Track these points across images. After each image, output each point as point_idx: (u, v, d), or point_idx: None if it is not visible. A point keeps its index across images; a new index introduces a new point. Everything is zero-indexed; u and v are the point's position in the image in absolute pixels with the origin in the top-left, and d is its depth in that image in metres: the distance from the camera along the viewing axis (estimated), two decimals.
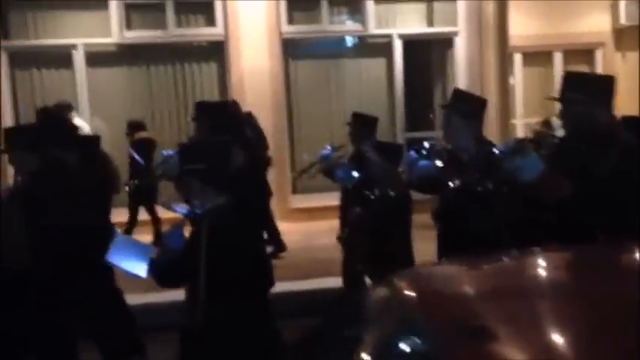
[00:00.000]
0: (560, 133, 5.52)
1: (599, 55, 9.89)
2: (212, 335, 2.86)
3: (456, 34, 8.27)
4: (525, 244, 3.87)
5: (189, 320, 2.91)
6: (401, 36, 8.20)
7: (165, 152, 4.45)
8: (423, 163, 3.82)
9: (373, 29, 8.14)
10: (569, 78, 3.34)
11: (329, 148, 5.02)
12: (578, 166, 2.99)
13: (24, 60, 7.74)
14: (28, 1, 7.63)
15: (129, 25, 7.78)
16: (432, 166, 3.74)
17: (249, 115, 5.92)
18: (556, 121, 6.88)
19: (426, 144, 4.08)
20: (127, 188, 5.06)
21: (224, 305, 2.84)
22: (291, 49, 8.12)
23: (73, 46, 7.68)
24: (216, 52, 8.03)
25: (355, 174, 4.42)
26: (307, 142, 8.03)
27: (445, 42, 8.41)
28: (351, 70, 8.38)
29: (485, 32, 8.16)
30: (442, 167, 3.71)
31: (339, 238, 4.64)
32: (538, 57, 9.36)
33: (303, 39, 8.17)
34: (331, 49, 8.35)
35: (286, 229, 6.78)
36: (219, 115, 4.44)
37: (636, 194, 2.92)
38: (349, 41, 8.45)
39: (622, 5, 9.53)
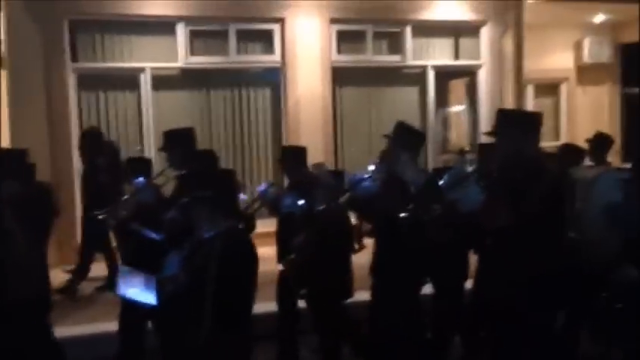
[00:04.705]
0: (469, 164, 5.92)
1: (563, 88, 11.43)
2: (215, 352, 2.98)
3: (479, 66, 9.35)
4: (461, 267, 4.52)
5: (186, 340, 3.03)
6: (433, 67, 9.16)
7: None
8: (365, 185, 4.19)
9: (410, 60, 9.04)
10: (502, 114, 3.60)
11: (265, 184, 5.16)
12: (512, 196, 3.18)
13: (91, 82, 7.91)
14: (97, 25, 7.84)
15: (193, 51, 8.18)
16: (373, 189, 4.12)
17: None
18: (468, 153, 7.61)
19: (370, 167, 4.54)
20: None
21: (230, 322, 2.99)
22: (338, 77, 8.82)
23: (141, 70, 7.98)
24: (272, 77, 8.58)
25: (301, 202, 4.56)
26: (350, 160, 8.78)
27: (470, 73, 9.47)
28: (389, 96, 9.21)
29: (505, 65, 9.30)
30: (381, 191, 4.06)
31: (287, 263, 4.60)
32: None
33: (350, 67, 8.88)
34: (373, 77, 9.11)
35: None
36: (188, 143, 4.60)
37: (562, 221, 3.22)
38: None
39: (585, 45, 11.09)
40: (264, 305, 4.45)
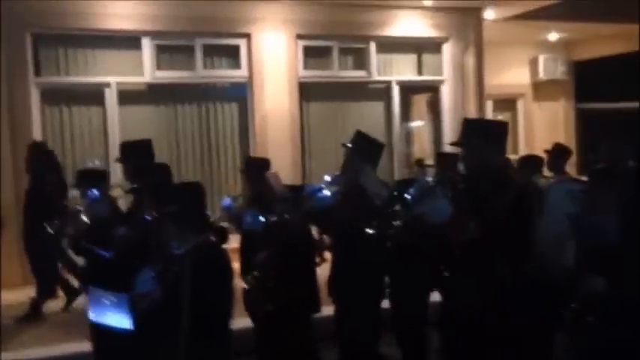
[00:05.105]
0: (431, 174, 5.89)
1: (520, 104, 11.83)
2: None
3: (442, 82, 9.58)
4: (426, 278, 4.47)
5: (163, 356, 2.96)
6: (398, 82, 9.34)
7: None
8: (320, 195, 4.14)
9: (375, 76, 9.20)
10: (468, 123, 3.53)
11: (228, 198, 5.06)
12: (478, 208, 3.16)
13: (55, 96, 7.77)
14: (60, 39, 7.73)
15: (159, 66, 8.13)
16: (332, 201, 4.08)
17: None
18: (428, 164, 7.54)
19: (327, 178, 4.41)
20: None
21: (208, 336, 2.91)
22: (305, 92, 8.90)
23: (107, 84, 7.88)
24: (239, 92, 8.60)
25: (262, 218, 4.41)
26: (317, 174, 8.81)
27: (433, 88, 9.69)
28: (355, 111, 9.32)
29: (466, 81, 9.55)
30: (341, 203, 4.02)
31: (250, 280, 4.41)
32: None
33: (316, 83, 8.97)
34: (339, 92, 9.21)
35: None
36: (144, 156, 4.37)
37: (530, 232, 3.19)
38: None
39: (541, 62, 11.53)
40: (242, 321, 4.40)
